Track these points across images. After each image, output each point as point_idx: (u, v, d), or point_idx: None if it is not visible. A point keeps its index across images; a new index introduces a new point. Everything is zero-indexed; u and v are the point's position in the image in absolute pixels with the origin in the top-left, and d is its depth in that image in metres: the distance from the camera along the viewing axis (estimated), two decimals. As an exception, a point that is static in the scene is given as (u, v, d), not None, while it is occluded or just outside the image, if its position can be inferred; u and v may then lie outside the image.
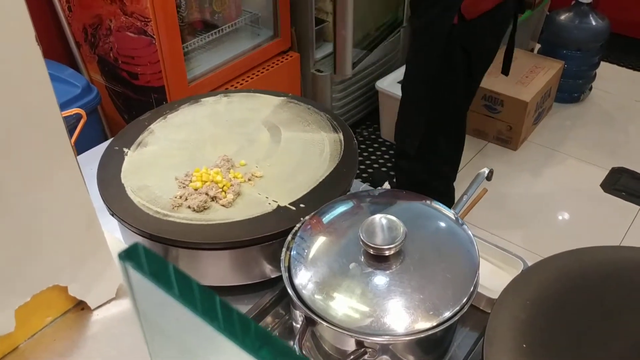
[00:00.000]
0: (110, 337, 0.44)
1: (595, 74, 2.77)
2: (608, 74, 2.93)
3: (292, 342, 0.78)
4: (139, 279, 0.21)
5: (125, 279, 0.23)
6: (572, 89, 2.73)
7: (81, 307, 0.46)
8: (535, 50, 2.96)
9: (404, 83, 1.79)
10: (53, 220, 0.40)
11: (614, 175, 2.34)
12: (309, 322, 0.67)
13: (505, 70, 1.88)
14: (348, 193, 0.85)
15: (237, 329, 0.24)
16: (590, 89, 2.81)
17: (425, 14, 1.58)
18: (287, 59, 2.13)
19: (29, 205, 0.39)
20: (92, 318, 0.46)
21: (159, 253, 0.80)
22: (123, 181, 0.85)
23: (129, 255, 0.21)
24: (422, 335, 0.63)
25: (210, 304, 0.21)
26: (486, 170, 0.80)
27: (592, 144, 2.52)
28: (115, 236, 0.58)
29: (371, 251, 0.68)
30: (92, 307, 0.46)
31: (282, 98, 1.04)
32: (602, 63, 2.78)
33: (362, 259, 0.69)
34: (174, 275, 0.21)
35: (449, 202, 1.88)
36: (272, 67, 2.08)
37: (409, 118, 1.77)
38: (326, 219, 0.76)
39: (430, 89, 1.66)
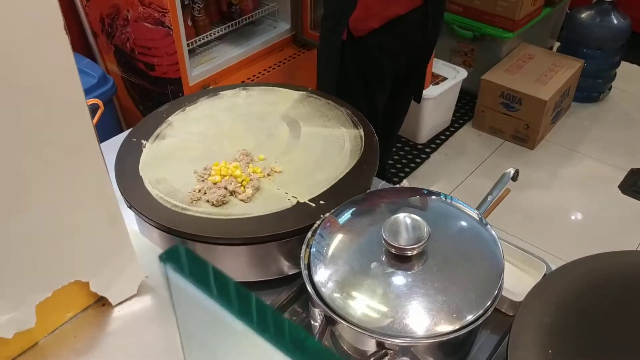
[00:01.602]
0: (132, 333, 0.43)
1: (615, 73, 2.73)
2: (628, 74, 2.88)
3: (309, 341, 0.77)
4: (177, 282, 0.20)
5: (164, 280, 0.22)
6: (591, 88, 2.69)
7: (102, 303, 0.45)
8: (555, 48, 2.92)
9: None
10: (76, 215, 0.39)
11: (632, 176, 2.30)
12: (329, 322, 0.66)
13: (416, 97, 1.77)
14: (368, 190, 0.83)
15: (270, 328, 0.23)
16: (610, 88, 2.76)
17: (322, 26, 1.51)
18: (304, 52, 2.11)
19: (52, 200, 0.38)
20: (113, 314, 0.45)
21: (177, 247, 0.79)
22: (141, 173, 0.84)
23: (170, 256, 0.20)
24: (444, 339, 0.62)
25: (246, 302, 0.20)
26: (512, 171, 0.78)
27: (610, 144, 2.48)
28: (134, 229, 0.57)
29: (393, 251, 0.66)
30: (113, 304, 0.45)
31: (301, 92, 1.03)
32: (622, 63, 2.73)
33: (384, 258, 0.68)
34: (212, 277, 0.20)
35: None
36: (290, 60, 2.07)
37: None
38: (346, 216, 0.75)
39: None
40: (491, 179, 2.53)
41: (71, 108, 0.35)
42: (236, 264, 0.80)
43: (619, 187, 2.26)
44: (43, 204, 0.37)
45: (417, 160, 2.37)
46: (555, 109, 2.46)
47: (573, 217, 2.18)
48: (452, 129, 2.55)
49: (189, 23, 1.85)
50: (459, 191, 2.23)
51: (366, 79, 1.55)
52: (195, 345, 0.29)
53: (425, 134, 2.44)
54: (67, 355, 0.42)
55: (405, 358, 0.66)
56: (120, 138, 1.02)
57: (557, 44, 2.94)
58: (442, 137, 2.51)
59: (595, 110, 2.70)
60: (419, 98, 1.78)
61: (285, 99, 1.01)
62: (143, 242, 0.51)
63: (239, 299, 0.21)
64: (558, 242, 2.01)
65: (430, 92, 2.24)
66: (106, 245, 0.42)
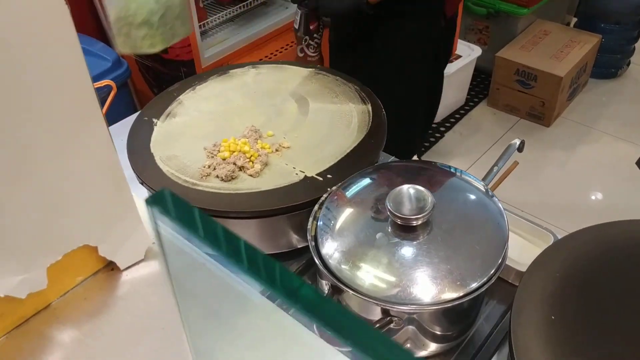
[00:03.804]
0: (140, 297, 0.45)
1: (634, 48, 2.68)
2: (647, 49, 2.82)
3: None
4: (169, 240, 0.22)
5: (155, 234, 0.23)
6: (609, 64, 2.64)
7: (111, 267, 0.47)
8: (572, 24, 2.87)
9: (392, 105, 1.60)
10: (83, 182, 0.41)
11: (651, 153, 2.27)
12: (335, 291, 0.68)
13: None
14: (375, 164, 0.84)
15: (261, 269, 0.24)
16: (629, 64, 2.72)
17: (410, 20, 1.41)
18: (315, 33, 2.11)
19: (59, 168, 0.40)
20: (122, 279, 0.47)
21: (188, 221, 0.81)
22: (152, 151, 0.86)
23: (156, 200, 0.21)
24: (448, 306, 0.63)
25: (234, 245, 0.21)
26: (517, 141, 0.78)
27: (628, 120, 2.45)
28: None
29: (398, 221, 0.67)
30: (122, 268, 0.47)
31: (310, 69, 1.03)
32: (641, 37, 2.68)
33: (389, 229, 0.69)
34: (199, 219, 0.21)
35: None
36: (301, 41, 2.06)
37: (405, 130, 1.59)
38: (353, 189, 0.76)
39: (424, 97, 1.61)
40: (505, 157, 2.44)
41: (74, 79, 0.36)
42: (246, 238, 0.81)
43: (637, 163, 2.23)
44: (51, 171, 0.39)
45: (431, 139, 2.36)
46: (571, 86, 2.43)
47: (590, 195, 2.16)
48: (466, 108, 2.53)
49: (201, 5, 1.86)
50: (474, 170, 2.22)
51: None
52: (189, 304, 0.30)
53: (439, 112, 2.42)
54: (78, 316, 0.44)
55: (410, 327, 0.67)
56: (132, 118, 1.04)
57: (574, 20, 2.90)
58: (457, 115, 2.49)
59: (613, 86, 2.66)
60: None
61: (293, 76, 1.02)
62: (150, 211, 0.53)
63: (227, 240, 0.22)
64: (574, 219, 2.00)
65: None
66: (112, 211, 0.43)
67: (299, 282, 0.22)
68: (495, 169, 0.76)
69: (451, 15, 1.47)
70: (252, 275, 0.22)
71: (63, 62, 0.36)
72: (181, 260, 0.31)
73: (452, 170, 0.78)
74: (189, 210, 0.21)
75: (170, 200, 0.21)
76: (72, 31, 0.35)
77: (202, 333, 0.33)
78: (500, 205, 0.72)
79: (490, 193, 0.74)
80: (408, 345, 0.69)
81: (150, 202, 0.21)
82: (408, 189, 0.68)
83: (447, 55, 1.63)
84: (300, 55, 1.63)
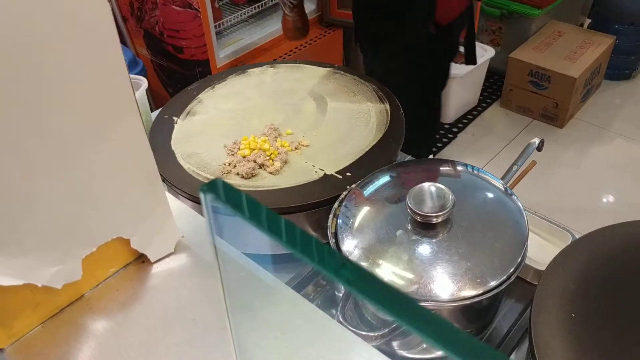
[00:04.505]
0: (170, 289, 0.46)
1: (649, 50, 2.67)
2: (662, 50, 2.81)
3: (334, 311, 0.79)
4: (216, 216, 0.23)
5: (205, 212, 0.24)
6: (623, 65, 2.63)
7: (142, 260, 0.49)
8: (585, 25, 2.86)
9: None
10: (117, 174, 0.42)
11: (665, 155, 2.26)
12: (355, 287, 0.68)
13: (471, 60, 1.79)
14: (394, 162, 0.85)
15: (298, 245, 0.25)
16: (643, 65, 2.70)
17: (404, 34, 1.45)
18: (329, 33, 2.12)
19: (94, 160, 0.41)
20: (152, 271, 0.48)
21: (208, 218, 0.82)
22: (173, 148, 0.87)
23: (210, 187, 0.22)
24: (467, 303, 0.63)
25: (276, 224, 0.23)
26: (537, 140, 0.79)
27: (642, 122, 2.44)
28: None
29: (419, 219, 0.68)
30: (152, 261, 0.48)
31: (328, 69, 1.04)
32: (656, 38, 2.66)
33: (409, 226, 0.69)
34: (246, 203, 0.23)
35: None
36: (316, 40, 2.08)
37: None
38: (373, 187, 0.76)
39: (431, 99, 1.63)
40: (519, 157, 2.43)
41: (111, 72, 0.38)
42: (265, 235, 0.82)
43: (653, 165, 2.22)
44: (87, 164, 0.40)
45: (444, 139, 2.36)
46: (585, 87, 2.42)
47: (603, 197, 2.15)
48: (479, 109, 2.53)
49: (216, 5, 1.88)
50: (486, 170, 2.22)
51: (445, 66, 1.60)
52: (237, 301, 0.32)
53: (452, 113, 2.43)
54: (111, 306, 0.45)
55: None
56: (152, 116, 1.05)
57: (587, 21, 2.88)
58: (469, 116, 2.49)
59: (627, 88, 2.64)
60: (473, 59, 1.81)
61: (311, 75, 1.03)
62: (179, 206, 0.54)
63: (269, 219, 0.24)
64: (589, 222, 1.99)
65: (457, 71, 2.23)
66: (145, 204, 0.44)
67: (342, 258, 0.24)
68: (515, 167, 0.77)
69: (446, 24, 1.46)
70: (290, 248, 0.24)
71: (103, 54, 0.37)
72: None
73: (471, 169, 0.78)
74: (238, 195, 0.23)
75: (221, 187, 0.23)
76: (112, 26, 0.36)
77: (239, 325, 0.34)
78: (519, 204, 0.73)
79: (509, 191, 0.75)
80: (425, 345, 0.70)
81: (205, 189, 0.23)
82: (429, 187, 0.69)
83: (443, 68, 1.64)
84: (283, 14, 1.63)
